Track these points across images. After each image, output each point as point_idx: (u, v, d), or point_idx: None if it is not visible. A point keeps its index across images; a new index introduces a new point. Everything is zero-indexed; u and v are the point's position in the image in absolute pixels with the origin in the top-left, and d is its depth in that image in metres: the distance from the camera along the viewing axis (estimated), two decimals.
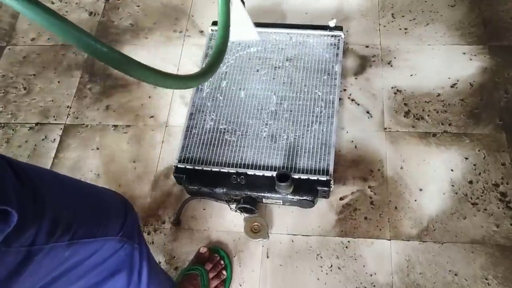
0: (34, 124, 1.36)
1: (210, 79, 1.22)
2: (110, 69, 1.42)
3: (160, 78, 0.67)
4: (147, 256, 0.78)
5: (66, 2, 1.59)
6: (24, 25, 1.55)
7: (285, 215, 1.15)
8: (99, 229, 0.65)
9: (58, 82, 1.42)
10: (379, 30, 1.38)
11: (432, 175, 1.15)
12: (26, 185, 0.51)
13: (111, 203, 0.73)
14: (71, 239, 0.58)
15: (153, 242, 1.14)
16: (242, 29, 1.04)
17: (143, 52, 1.45)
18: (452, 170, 1.15)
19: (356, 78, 1.31)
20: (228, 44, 0.84)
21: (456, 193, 1.12)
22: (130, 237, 0.73)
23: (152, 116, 1.32)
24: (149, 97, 1.36)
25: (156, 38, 1.47)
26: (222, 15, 0.85)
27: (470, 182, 1.13)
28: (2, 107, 1.40)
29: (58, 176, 0.64)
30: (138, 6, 1.54)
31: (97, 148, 1.29)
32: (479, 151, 1.17)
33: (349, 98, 1.28)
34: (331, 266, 1.07)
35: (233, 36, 1.12)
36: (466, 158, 1.16)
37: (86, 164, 1.27)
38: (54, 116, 1.36)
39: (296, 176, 1.08)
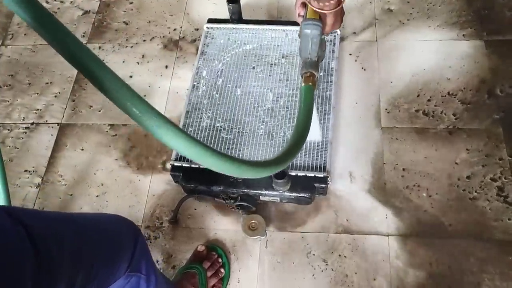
0: (30, 124, 1.35)
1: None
2: None
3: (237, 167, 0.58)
4: (155, 284, 0.76)
5: (61, 1, 1.58)
6: (20, 21, 1.55)
7: (282, 212, 1.14)
8: (111, 276, 0.65)
9: (52, 82, 1.42)
10: (375, 25, 1.38)
11: (428, 170, 1.15)
12: (42, 256, 0.49)
13: (121, 244, 0.70)
14: None
15: (150, 241, 1.14)
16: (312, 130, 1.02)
17: (138, 50, 1.44)
18: (449, 165, 1.15)
19: (352, 73, 1.31)
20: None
21: (454, 189, 1.12)
22: (137, 269, 0.71)
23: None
24: (144, 95, 1.35)
25: (152, 36, 1.46)
26: (304, 104, 0.79)
27: (468, 177, 1.13)
28: None
29: (78, 227, 0.61)
30: (132, 3, 1.54)
31: (94, 147, 1.29)
32: (476, 146, 1.17)
33: (345, 93, 1.28)
34: (329, 263, 1.07)
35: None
36: (464, 153, 1.16)
37: (82, 163, 1.27)
38: (49, 116, 1.36)
39: (293, 173, 1.08)
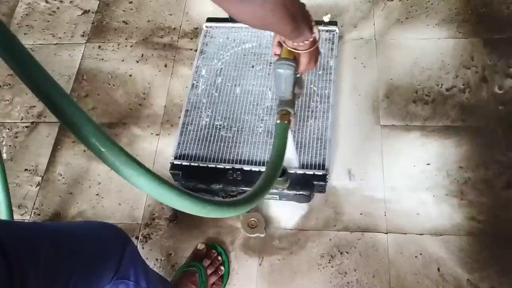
0: (29, 123, 1.35)
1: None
2: (105, 69, 1.41)
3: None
4: None
5: (61, 1, 1.58)
6: (19, 21, 1.55)
7: (281, 210, 1.15)
8: (94, 285, 0.64)
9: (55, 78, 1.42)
10: (374, 24, 1.38)
11: (427, 169, 1.15)
12: (15, 272, 0.48)
13: (108, 251, 0.70)
14: None
15: (150, 240, 1.14)
16: (288, 158, 1.04)
17: (137, 49, 1.44)
18: (447, 164, 1.16)
19: (351, 72, 1.31)
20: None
21: (452, 187, 1.13)
22: (124, 276, 0.71)
23: (148, 114, 1.32)
24: (144, 93, 1.35)
25: (151, 35, 1.46)
26: (278, 141, 0.80)
27: (469, 178, 1.14)
28: None
29: (56, 238, 0.60)
30: (131, 2, 1.54)
31: None
32: (473, 144, 1.17)
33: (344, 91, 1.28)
34: (329, 260, 1.08)
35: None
36: (463, 151, 1.17)
37: (82, 162, 1.27)
38: (49, 115, 1.36)
39: (292, 171, 1.08)
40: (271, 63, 1.25)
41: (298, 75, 0.82)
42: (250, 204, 0.65)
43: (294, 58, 0.77)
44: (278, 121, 0.84)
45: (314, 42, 0.74)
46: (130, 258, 0.74)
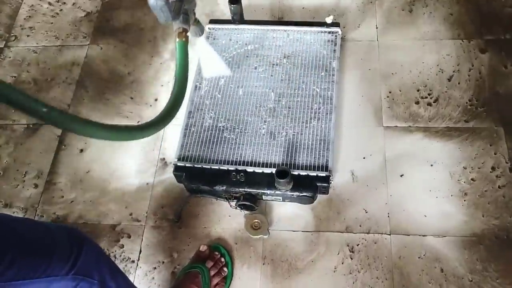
0: (32, 124, 1.36)
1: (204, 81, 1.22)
2: (108, 70, 1.42)
3: (104, 132, 0.65)
4: None
5: (63, 3, 1.58)
6: (23, 23, 1.55)
7: (285, 211, 1.15)
8: (38, 269, 0.64)
9: (55, 82, 1.42)
10: (376, 25, 1.39)
11: (430, 171, 1.15)
12: None
13: (54, 240, 0.71)
14: None
15: (153, 241, 1.15)
16: (213, 65, 1.10)
17: (141, 51, 1.44)
18: (450, 165, 1.16)
19: (353, 73, 1.31)
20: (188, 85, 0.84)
21: (456, 188, 1.13)
22: (87, 274, 0.72)
23: (149, 117, 1.32)
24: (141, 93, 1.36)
25: (154, 36, 1.47)
26: (180, 59, 0.85)
27: (473, 179, 1.14)
28: None
29: None
30: (134, 5, 1.54)
31: (96, 147, 1.29)
32: (476, 145, 1.17)
33: (347, 93, 1.28)
34: (332, 261, 1.08)
35: (206, 73, 1.17)
36: (465, 152, 1.17)
37: (85, 163, 1.28)
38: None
39: (295, 172, 1.08)
40: (273, 64, 1.25)
41: None
42: (161, 125, 0.74)
43: None
44: (177, 40, 0.88)
45: None
46: (91, 258, 0.74)
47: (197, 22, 0.97)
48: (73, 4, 1.58)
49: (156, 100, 1.35)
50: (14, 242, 0.63)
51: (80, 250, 0.72)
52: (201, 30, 1.01)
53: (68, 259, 0.69)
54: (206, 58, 1.09)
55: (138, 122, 1.32)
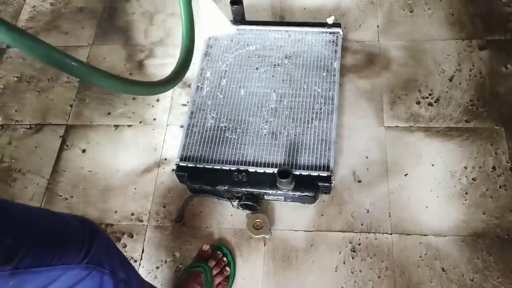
0: (34, 125, 1.36)
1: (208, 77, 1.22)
2: (110, 70, 1.42)
3: (127, 86, 0.69)
4: (125, 281, 0.77)
5: (66, 3, 1.59)
6: (25, 23, 1.56)
7: (286, 211, 1.15)
8: (54, 257, 0.64)
9: (58, 83, 1.43)
10: (377, 25, 1.39)
11: (431, 170, 1.16)
12: None
13: (69, 229, 0.71)
14: (15, 268, 0.57)
15: (155, 241, 1.15)
16: (215, 23, 1.04)
17: (144, 50, 1.45)
18: (451, 164, 1.16)
19: (354, 74, 1.32)
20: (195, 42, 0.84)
21: (457, 188, 1.13)
22: (98, 263, 0.72)
23: (154, 117, 1.33)
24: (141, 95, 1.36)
25: (157, 36, 1.47)
26: (185, 14, 0.84)
27: (474, 179, 1.14)
28: (1, 105, 1.40)
29: (3, 203, 0.62)
30: (137, 5, 1.55)
31: (98, 147, 1.30)
32: (477, 145, 1.18)
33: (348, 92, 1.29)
34: (334, 261, 1.08)
35: (208, 32, 1.12)
36: (467, 152, 1.17)
37: (87, 163, 1.28)
38: (54, 117, 1.37)
39: (297, 172, 1.09)
40: (275, 65, 1.26)
41: None
42: (179, 77, 0.80)
43: None
44: None
45: None
46: (102, 248, 0.75)
47: None
48: (75, 4, 1.58)
49: (157, 100, 1.35)
50: (30, 231, 0.63)
51: (92, 240, 0.72)
52: None
53: (81, 248, 0.70)
54: (208, 15, 1.02)
55: (140, 122, 1.32)
